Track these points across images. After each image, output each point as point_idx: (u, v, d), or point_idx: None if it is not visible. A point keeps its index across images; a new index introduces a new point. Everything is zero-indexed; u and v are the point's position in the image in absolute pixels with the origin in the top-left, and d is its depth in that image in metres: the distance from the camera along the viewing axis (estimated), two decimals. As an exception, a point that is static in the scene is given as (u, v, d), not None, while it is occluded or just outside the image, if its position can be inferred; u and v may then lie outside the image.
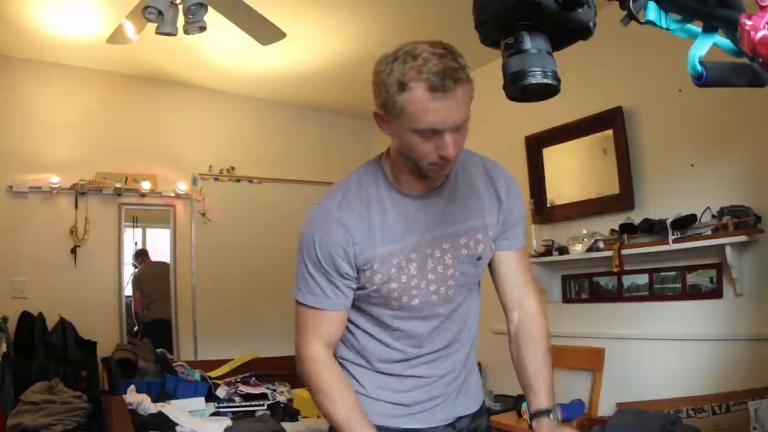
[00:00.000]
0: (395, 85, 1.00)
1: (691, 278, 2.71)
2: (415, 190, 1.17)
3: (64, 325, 3.47)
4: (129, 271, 4.01)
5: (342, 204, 1.14)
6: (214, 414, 3.05)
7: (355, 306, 1.20)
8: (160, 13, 2.27)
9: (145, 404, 2.73)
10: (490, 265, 1.29)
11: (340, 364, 1.24)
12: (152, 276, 4.15)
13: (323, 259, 1.12)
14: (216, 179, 4.31)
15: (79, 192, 3.73)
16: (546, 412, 1.20)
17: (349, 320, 1.22)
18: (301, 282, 1.16)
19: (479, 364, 3.61)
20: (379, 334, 1.21)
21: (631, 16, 0.61)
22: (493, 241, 1.24)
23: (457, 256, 1.18)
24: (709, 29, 0.63)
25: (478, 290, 1.32)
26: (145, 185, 3.96)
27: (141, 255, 4.13)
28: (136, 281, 4.07)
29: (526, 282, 1.30)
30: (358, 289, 1.17)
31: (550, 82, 0.63)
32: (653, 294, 2.85)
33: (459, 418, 1.27)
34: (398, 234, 1.14)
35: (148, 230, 4.21)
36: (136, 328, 3.97)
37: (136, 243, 4.09)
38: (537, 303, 1.29)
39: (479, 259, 1.21)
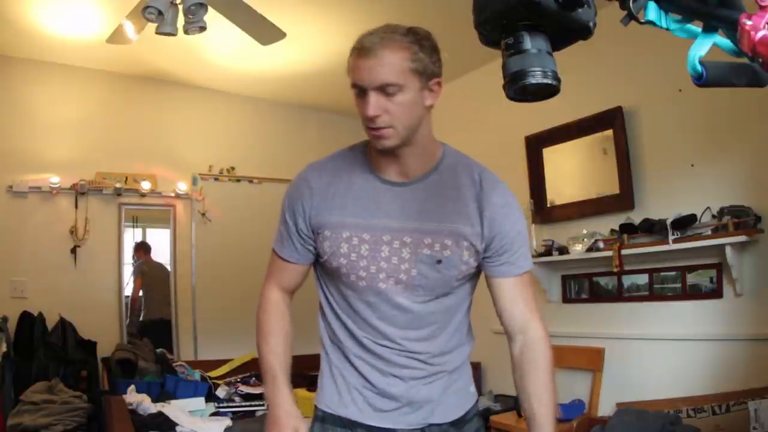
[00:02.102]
0: (350, 51, 1.13)
1: (691, 278, 2.71)
2: (389, 176, 1.20)
3: (64, 325, 3.47)
4: (129, 271, 4.01)
5: (315, 169, 1.25)
6: (214, 414, 3.05)
7: (326, 284, 1.28)
8: (160, 13, 2.27)
9: (145, 404, 2.73)
10: (489, 290, 1.26)
11: (322, 347, 1.30)
12: (153, 274, 4.15)
13: (288, 213, 1.25)
14: (216, 179, 4.31)
15: (79, 192, 3.73)
16: None
17: (326, 301, 1.29)
18: (277, 229, 1.29)
19: (479, 365, 3.63)
20: (346, 319, 1.23)
21: (631, 16, 0.61)
22: (474, 256, 1.19)
23: (417, 253, 1.16)
24: (709, 29, 0.63)
25: (460, 300, 1.27)
26: (145, 185, 3.96)
27: (142, 248, 4.10)
28: (138, 271, 4.06)
29: (528, 309, 1.24)
30: (318, 256, 1.24)
31: (550, 82, 0.63)
32: (653, 294, 2.85)
33: (432, 425, 1.23)
34: (356, 210, 1.18)
35: (148, 230, 4.21)
36: (128, 322, 3.95)
37: (136, 243, 4.09)
38: (542, 329, 1.24)
39: (440, 262, 1.16)
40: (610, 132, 3.04)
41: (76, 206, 3.74)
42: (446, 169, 1.22)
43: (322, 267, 1.26)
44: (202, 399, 3.12)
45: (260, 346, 1.27)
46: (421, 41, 1.12)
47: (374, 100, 1.09)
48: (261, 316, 1.30)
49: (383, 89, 1.09)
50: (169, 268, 4.14)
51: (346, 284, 1.21)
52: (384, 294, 1.18)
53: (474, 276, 1.26)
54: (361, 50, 1.09)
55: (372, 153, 1.22)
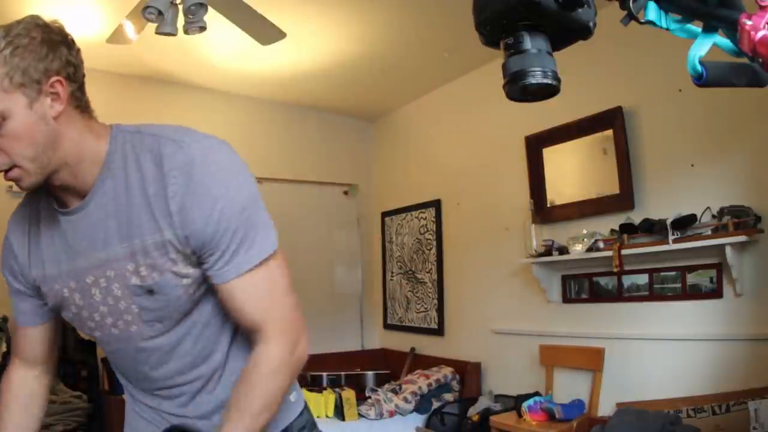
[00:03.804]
0: None
1: (691, 278, 2.71)
2: (67, 202, 0.96)
3: (64, 325, 3.46)
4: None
5: (13, 217, 1.07)
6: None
7: None
8: (160, 13, 2.27)
9: (145, 404, 2.73)
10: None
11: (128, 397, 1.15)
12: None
13: (3, 273, 1.08)
14: (216, 179, 4.30)
15: (79, 192, 3.73)
16: None
17: None
18: None
19: (479, 365, 3.63)
20: (117, 373, 1.12)
21: (631, 16, 0.61)
22: (191, 262, 0.93)
23: (127, 286, 0.94)
24: (709, 29, 0.63)
25: (219, 308, 1.00)
26: (145, 185, 3.96)
27: None
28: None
29: (256, 315, 0.95)
30: None
31: (550, 82, 0.63)
32: (653, 294, 2.85)
33: None
34: (52, 256, 0.99)
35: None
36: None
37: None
38: (273, 343, 0.95)
39: (152, 292, 0.93)
40: (610, 132, 3.04)
41: (76, 206, 3.74)
42: (119, 163, 0.93)
43: None
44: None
45: None
46: (12, 40, 0.85)
47: None
48: None
49: None
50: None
51: (94, 338, 1.06)
52: (123, 339, 0.99)
53: None
54: None
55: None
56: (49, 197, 0.99)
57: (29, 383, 1.12)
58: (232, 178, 0.93)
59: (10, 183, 3.41)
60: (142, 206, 0.91)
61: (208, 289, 0.98)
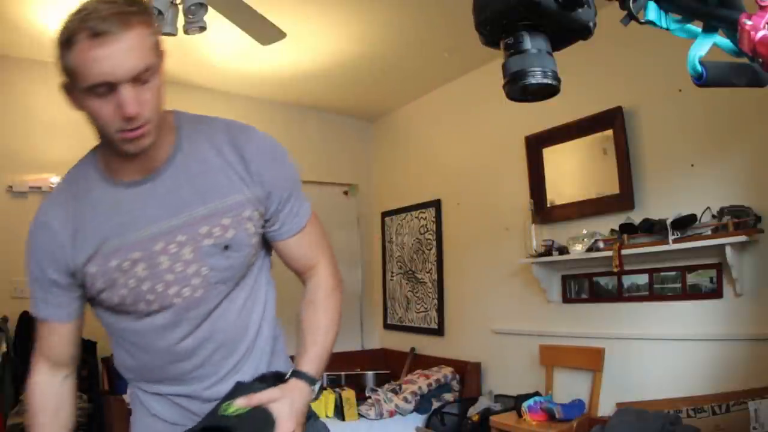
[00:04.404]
0: (64, 43, 0.89)
1: (691, 278, 2.71)
2: (131, 176, 1.01)
3: (64, 325, 3.47)
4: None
5: (51, 208, 1.04)
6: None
7: (111, 326, 1.10)
8: (160, 13, 2.27)
9: (145, 404, 2.73)
10: (276, 252, 1.16)
11: (136, 394, 1.14)
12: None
13: (34, 266, 1.05)
14: (216, 179, 4.30)
15: (79, 192, 3.73)
16: (301, 375, 1.05)
17: (118, 344, 1.12)
18: (30, 289, 1.09)
19: (479, 365, 3.63)
20: (138, 353, 1.09)
21: (631, 16, 0.61)
22: (260, 223, 1.07)
23: (199, 248, 1.01)
24: (709, 29, 0.63)
25: (258, 269, 1.14)
26: (145, 185, 3.96)
27: None
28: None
29: (314, 256, 1.16)
30: (89, 299, 1.07)
31: (550, 82, 0.63)
32: (653, 294, 2.85)
33: None
34: (112, 231, 1.00)
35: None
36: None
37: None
38: (326, 271, 1.16)
39: (227, 248, 1.02)
40: (610, 132, 3.04)
41: (76, 206, 3.73)
42: (189, 140, 1.05)
43: (100, 307, 1.07)
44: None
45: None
46: (145, 10, 0.94)
47: (132, 94, 0.89)
48: (28, 400, 1.08)
49: (138, 78, 0.90)
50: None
51: (136, 315, 1.03)
52: (183, 308, 1.03)
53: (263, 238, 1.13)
54: (98, 36, 0.85)
55: (104, 159, 1.03)
56: (99, 180, 1.02)
57: (57, 388, 1.08)
58: (283, 147, 1.13)
59: (10, 183, 3.40)
60: (220, 172, 1.03)
61: (256, 258, 1.11)
